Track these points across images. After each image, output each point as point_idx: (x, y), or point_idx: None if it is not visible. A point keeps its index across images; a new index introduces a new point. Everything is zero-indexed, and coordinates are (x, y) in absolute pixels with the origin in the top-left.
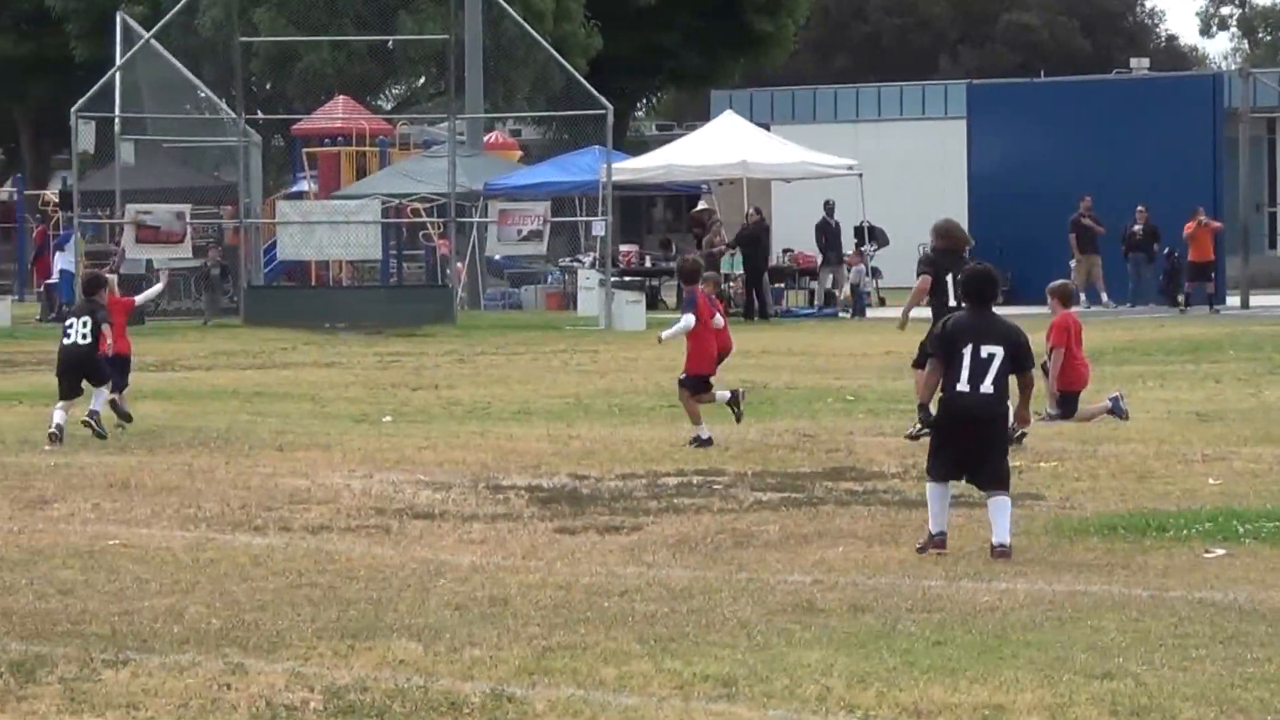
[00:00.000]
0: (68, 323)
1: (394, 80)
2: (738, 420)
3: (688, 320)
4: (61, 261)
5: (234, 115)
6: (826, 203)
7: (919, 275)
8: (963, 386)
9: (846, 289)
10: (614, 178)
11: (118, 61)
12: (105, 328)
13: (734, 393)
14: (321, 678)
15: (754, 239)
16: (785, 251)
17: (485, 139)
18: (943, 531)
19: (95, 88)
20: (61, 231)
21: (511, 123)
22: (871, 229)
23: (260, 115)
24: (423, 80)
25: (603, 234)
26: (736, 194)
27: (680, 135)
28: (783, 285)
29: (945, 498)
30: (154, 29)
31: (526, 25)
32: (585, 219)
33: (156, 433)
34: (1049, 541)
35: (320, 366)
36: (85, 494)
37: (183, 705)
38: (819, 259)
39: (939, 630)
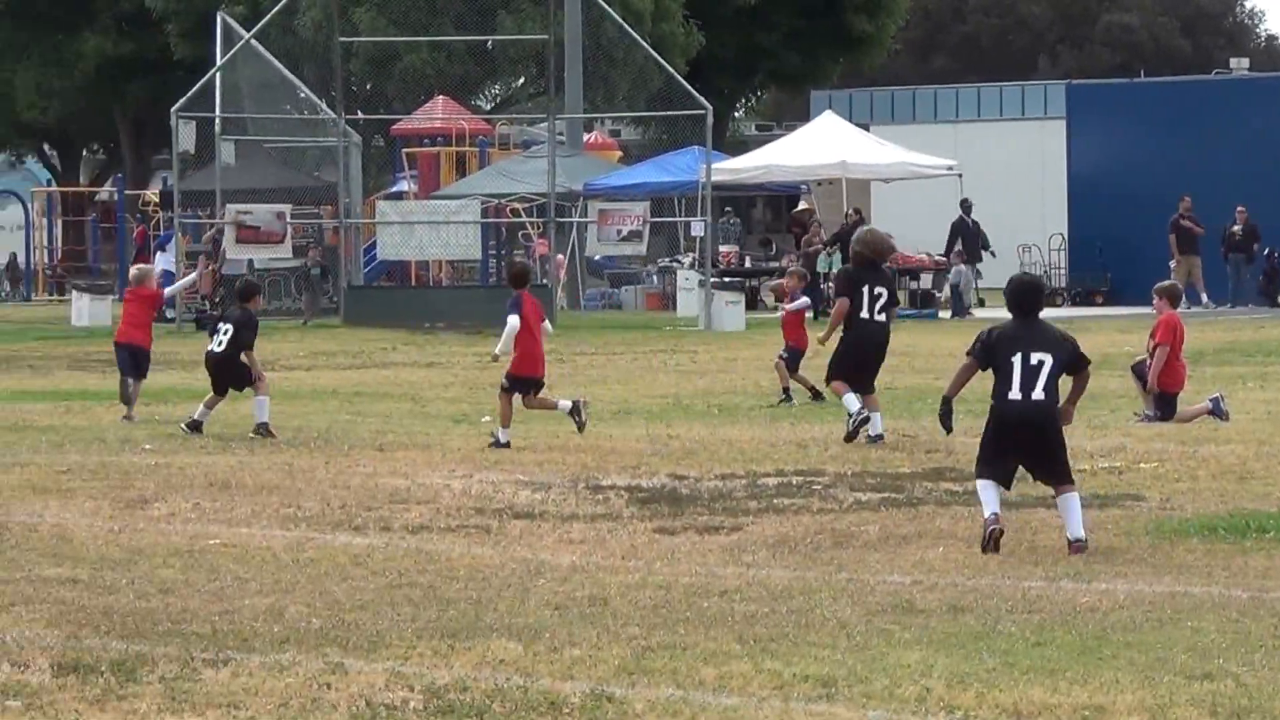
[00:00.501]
0: (218, 327)
1: (493, 80)
2: (579, 430)
3: (513, 323)
4: (162, 262)
5: (334, 115)
6: (964, 202)
7: (837, 296)
8: (1015, 395)
9: (946, 290)
10: (713, 178)
11: (218, 62)
12: (245, 353)
13: (575, 402)
14: (421, 677)
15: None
16: None
17: (585, 139)
18: (995, 512)
19: (195, 88)
20: (162, 232)
21: (611, 123)
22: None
23: (360, 115)
24: (522, 80)
25: (702, 234)
26: (835, 194)
27: (780, 135)
28: None
29: (996, 488)
30: (254, 29)
31: (626, 25)
32: (685, 219)
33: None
34: (1149, 542)
35: (420, 367)
36: (186, 494)
37: (283, 704)
38: (946, 258)
39: (1039, 631)
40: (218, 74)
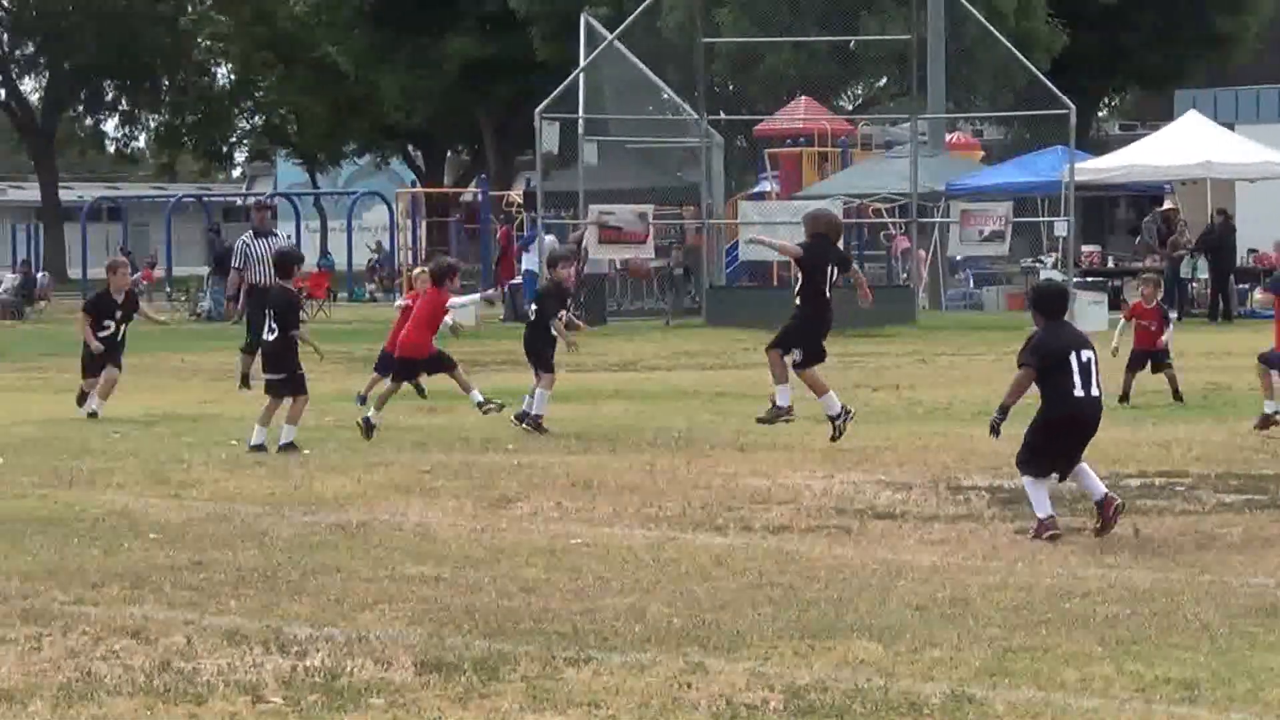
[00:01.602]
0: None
1: (856, 80)
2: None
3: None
4: (527, 262)
5: (696, 116)
6: None
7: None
8: (1079, 392)
9: None
10: (1076, 178)
11: (581, 63)
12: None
13: (481, 401)
14: (781, 677)
15: (1220, 241)
16: (1250, 252)
17: (947, 139)
18: (1052, 515)
19: (559, 89)
20: (526, 232)
21: (973, 122)
22: None
23: (723, 116)
24: (884, 80)
25: (1065, 234)
26: (1199, 194)
27: (1143, 135)
28: (1247, 286)
29: (1046, 484)
30: (617, 30)
31: (989, 25)
32: (1047, 219)
33: (618, 432)
34: None
35: None
36: (548, 493)
37: (643, 704)
38: None
39: None
40: (581, 75)
